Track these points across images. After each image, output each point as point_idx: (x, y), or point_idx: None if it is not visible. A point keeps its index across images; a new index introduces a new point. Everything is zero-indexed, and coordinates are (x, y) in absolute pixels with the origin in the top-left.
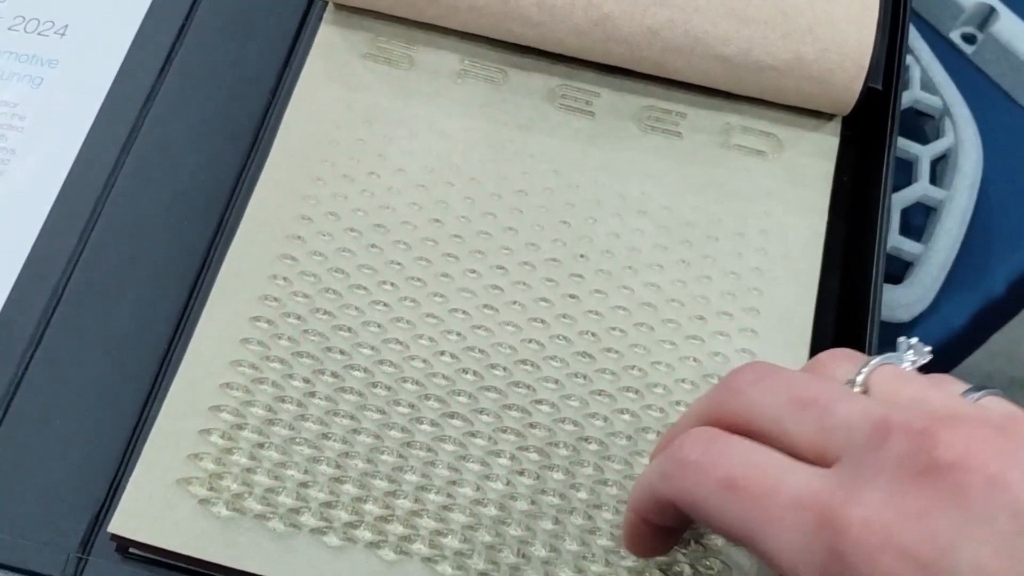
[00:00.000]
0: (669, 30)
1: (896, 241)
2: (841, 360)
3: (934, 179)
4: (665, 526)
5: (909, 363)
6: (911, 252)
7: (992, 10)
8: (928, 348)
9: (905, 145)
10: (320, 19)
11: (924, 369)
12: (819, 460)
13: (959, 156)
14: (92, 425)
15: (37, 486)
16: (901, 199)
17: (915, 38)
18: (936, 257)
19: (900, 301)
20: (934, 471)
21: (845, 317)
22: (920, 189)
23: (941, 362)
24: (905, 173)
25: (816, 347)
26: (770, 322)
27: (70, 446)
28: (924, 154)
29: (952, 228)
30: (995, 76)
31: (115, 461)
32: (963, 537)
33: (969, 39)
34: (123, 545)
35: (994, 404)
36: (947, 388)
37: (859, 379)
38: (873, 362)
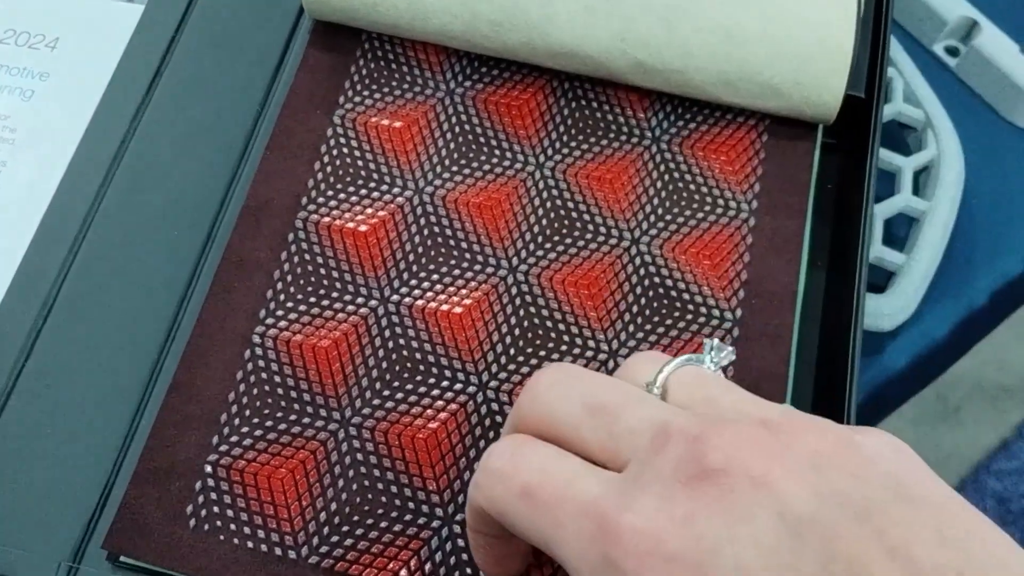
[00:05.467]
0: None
1: (879, 251)
2: (646, 363)
3: (917, 190)
4: (500, 537)
5: (711, 364)
6: (894, 262)
7: (975, 23)
8: (731, 349)
9: (888, 157)
10: (308, 32)
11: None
12: (613, 464)
13: (941, 168)
14: (83, 434)
15: (28, 495)
16: (884, 210)
17: (898, 51)
18: (919, 267)
19: (883, 310)
20: (703, 477)
21: (828, 325)
22: (903, 200)
23: (924, 371)
24: (888, 184)
25: (800, 357)
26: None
27: (61, 455)
28: (907, 165)
29: (934, 239)
30: (978, 89)
31: (106, 471)
32: (727, 538)
33: (952, 52)
34: (114, 554)
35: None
36: (740, 391)
37: (658, 380)
38: (673, 363)
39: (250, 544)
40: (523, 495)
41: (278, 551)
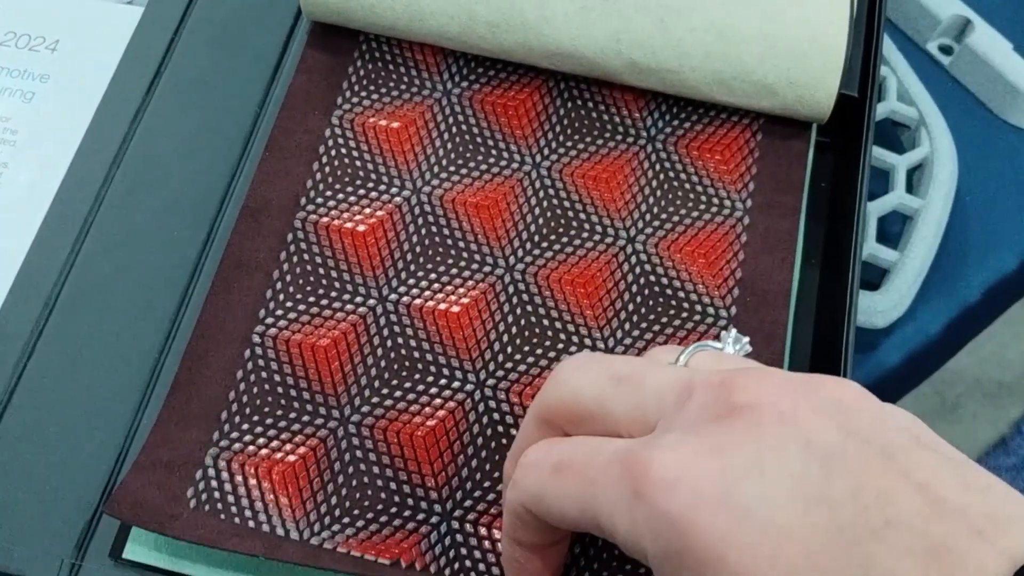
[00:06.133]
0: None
1: (873, 248)
2: (666, 351)
3: (910, 188)
4: (539, 546)
5: (730, 351)
6: (887, 259)
7: (968, 22)
8: (747, 340)
9: (881, 155)
10: (306, 33)
11: None
12: (642, 432)
13: (935, 166)
14: (85, 432)
15: (31, 493)
16: (878, 207)
17: (892, 49)
18: (912, 264)
19: (877, 307)
20: (730, 413)
21: (823, 322)
22: (896, 198)
23: (918, 368)
24: (882, 182)
25: (794, 354)
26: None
27: (64, 454)
28: (900, 163)
29: (928, 236)
30: (971, 87)
31: (108, 469)
32: (754, 468)
33: (946, 50)
34: (116, 550)
35: None
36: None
37: (680, 360)
38: (693, 347)
39: (251, 524)
40: (555, 470)
41: (279, 532)
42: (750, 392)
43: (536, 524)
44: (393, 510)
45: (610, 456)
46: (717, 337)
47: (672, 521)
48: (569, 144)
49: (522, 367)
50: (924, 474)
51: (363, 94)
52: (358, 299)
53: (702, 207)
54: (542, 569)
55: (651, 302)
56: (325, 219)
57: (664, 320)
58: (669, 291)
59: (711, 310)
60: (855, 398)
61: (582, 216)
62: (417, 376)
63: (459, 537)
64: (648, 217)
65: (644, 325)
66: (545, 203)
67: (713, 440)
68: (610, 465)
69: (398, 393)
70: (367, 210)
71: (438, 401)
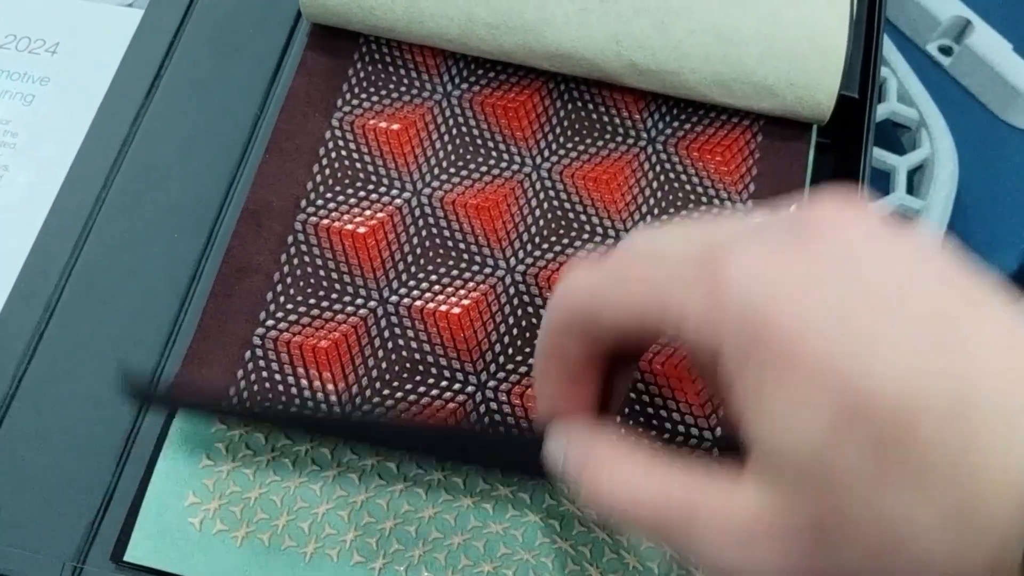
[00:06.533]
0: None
1: None
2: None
3: (911, 189)
4: (572, 375)
5: None
6: None
7: (968, 23)
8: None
9: (882, 156)
10: (306, 35)
11: None
12: None
13: (935, 166)
14: (86, 435)
15: (33, 497)
16: (878, 209)
17: (892, 51)
18: None
19: None
20: (810, 230)
21: None
22: (897, 199)
23: None
24: (882, 183)
25: None
26: None
27: (65, 457)
28: (901, 164)
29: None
30: (971, 87)
31: (110, 471)
32: (835, 273)
33: (946, 51)
34: (118, 554)
35: None
36: None
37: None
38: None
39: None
40: (618, 282)
41: None
42: (830, 217)
43: (574, 343)
44: None
45: (681, 256)
46: None
47: (752, 310)
48: (569, 146)
49: (523, 368)
50: (1004, 314)
51: (363, 96)
52: (359, 301)
53: (703, 208)
54: (574, 407)
55: None
56: (325, 221)
57: None
58: None
59: None
60: (934, 246)
61: (583, 218)
62: (418, 378)
63: None
64: (649, 219)
65: None
66: (545, 205)
67: (793, 246)
68: (682, 261)
69: (399, 395)
70: (367, 212)
71: (439, 403)
